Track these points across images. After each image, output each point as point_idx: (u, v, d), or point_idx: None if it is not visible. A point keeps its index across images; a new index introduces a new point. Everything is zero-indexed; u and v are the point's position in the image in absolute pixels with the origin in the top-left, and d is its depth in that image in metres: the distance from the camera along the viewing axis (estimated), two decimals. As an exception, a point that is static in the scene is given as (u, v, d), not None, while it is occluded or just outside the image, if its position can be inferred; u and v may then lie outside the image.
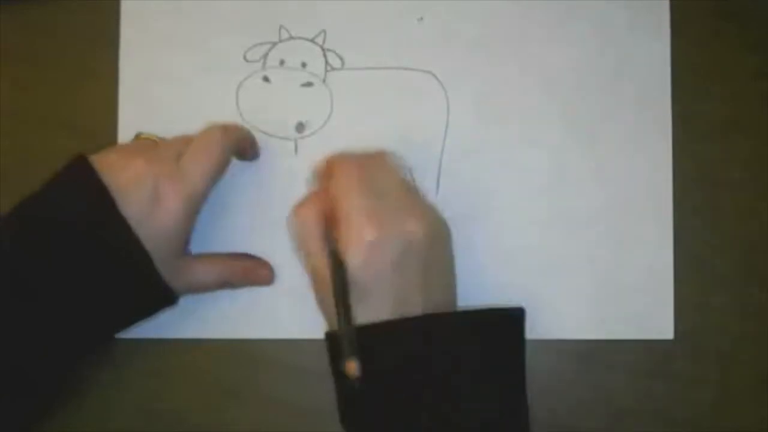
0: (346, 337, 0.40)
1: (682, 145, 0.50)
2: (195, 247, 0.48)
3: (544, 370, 0.49)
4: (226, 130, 0.46)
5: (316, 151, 0.49)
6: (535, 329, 0.48)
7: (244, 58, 0.50)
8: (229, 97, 0.50)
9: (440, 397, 0.41)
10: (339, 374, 0.42)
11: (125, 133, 0.50)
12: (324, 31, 0.51)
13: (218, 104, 0.50)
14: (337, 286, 0.41)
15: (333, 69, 0.50)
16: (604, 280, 0.50)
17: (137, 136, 0.49)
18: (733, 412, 0.50)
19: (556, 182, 0.50)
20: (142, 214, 0.42)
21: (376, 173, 0.43)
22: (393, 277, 0.41)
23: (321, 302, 0.44)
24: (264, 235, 0.50)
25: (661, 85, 0.50)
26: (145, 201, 0.43)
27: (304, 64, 0.50)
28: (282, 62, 0.50)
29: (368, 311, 0.41)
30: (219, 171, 0.46)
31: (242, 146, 0.48)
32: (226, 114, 0.50)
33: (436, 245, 0.43)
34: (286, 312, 0.49)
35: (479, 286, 0.49)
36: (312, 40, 0.51)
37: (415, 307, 0.42)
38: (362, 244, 0.41)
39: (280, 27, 0.51)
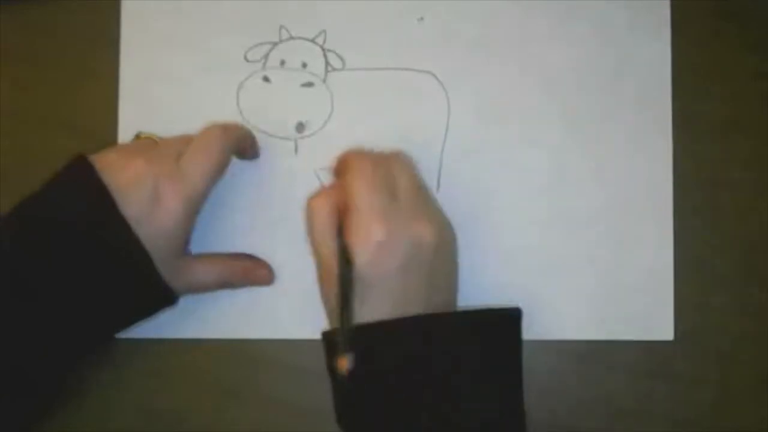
0: (344, 334, 0.40)
1: (682, 145, 0.50)
2: (195, 247, 0.48)
3: (544, 371, 0.49)
4: (226, 129, 0.46)
5: (316, 151, 0.49)
6: (535, 329, 0.48)
7: (245, 58, 0.50)
8: (230, 97, 0.50)
9: (440, 397, 0.41)
10: (336, 374, 0.42)
11: (125, 133, 0.50)
12: (324, 32, 0.51)
13: (218, 104, 0.50)
14: (342, 282, 0.41)
15: (333, 69, 0.50)
16: (604, 280, 0.50)
17: (137, 136, 0.49)
18: (734, 412, 0.50)
19: (556, 182, 0.50)
20: (142, 214, 0.42)
21: (390, 173, 0.43)
22: (398, 279, 0.41)
23: (324, 295, 0.44)
24: (264, 235, 0.50)
25: (662, 85, 0.50)
26: (145, 201, 0.43)
27: (304, 65, 0.50)
28: (282, 62, 0.50)
29: (369, 310, 0.41)
30: (219, 171, 0.46)
31: (242, 146, 0.48)
32: (227, 114, 0.50)
33: (442, 250, 0.43)
34: (286, 312, 0.49)
35: (479, 286, 0.49)
36: (312, 41, 0.51)
37: (415, 308, 0.42)
38: (371, 243, 0.41)
39: (281, 27, 0.51)
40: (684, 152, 0.50)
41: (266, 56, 0.50)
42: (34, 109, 0.51)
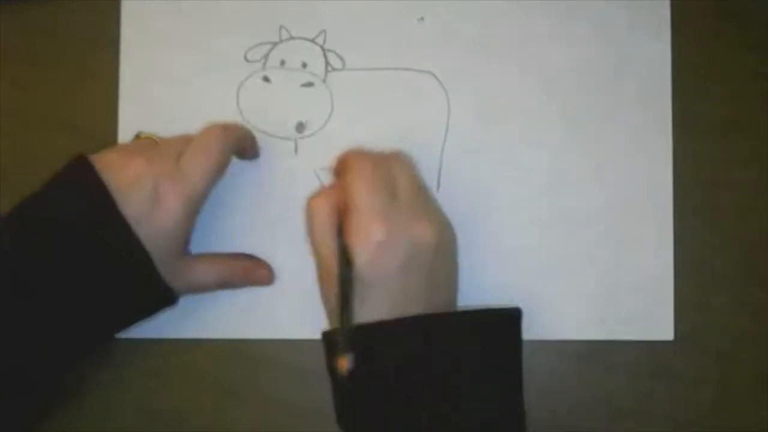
0: (343, 334, 0.40)
1: (682, 145, 0.50)
2: (195, 247, 0.48)
3: (544, 371, 0.49)
4: (226, 129, 0.46)
5: (316, 151, 0.49)
6: (535, 329, 0.48)
7: (245, 58, 0.50)
8: (230, 97, 0.50)
9: (440, 397, 0.41)
10: (336, 374, 0.42)
11: (125, 133, 0.50)
12: (324, 32, 0.51)
13: (219, 104, 0.50)
14: (342, 282, 0.41)
15: (333, 69, 0.50)
16: (604, 280, 0.50)
17: (137, 136, 0.49)
18: (734, 412, 0.50)
19: (556, 182, 0.50)
20: (142, 214, 0.42)
21: (390, 173, 0.43)
22: (397, 279, 0.41)
23: (324, 295, 0.44)
24: (264, 235, 0.50)
25: (662, 85, 0.50)
26: (145, 201, 0.43)
27: (304, 65, 0.50)
28: (282, 62, 0.50)
29: (369, 310, 0.41)
30: (219, 171, 0.46)
31: (242, 146, 0.48)
32: (227, 114, 0.50)
33: (442, 250, 0.43)
34: (286, 312, 0.49)
35: (479, 286, 0.49)
36: (312, 41, 0.51)
37: (415, 308, 0.42)
38: (371, 244, 0.41)
39: (281, 27, 0.51)
40: (684, 152, 0.50)
41: (266, 56, 0.50)
42: (34, 109, 0.51)
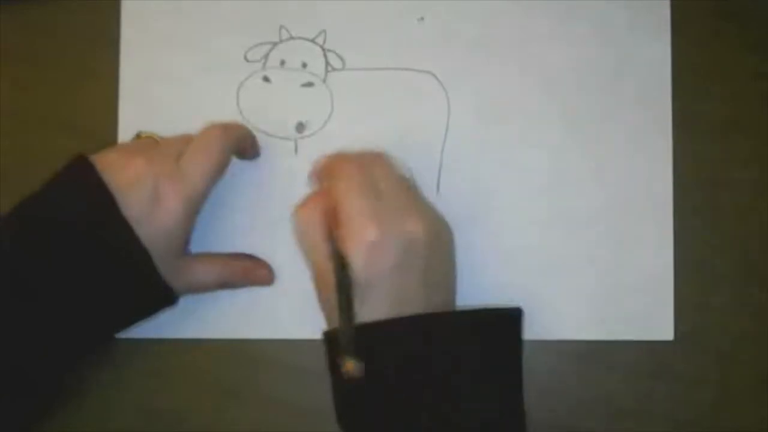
0: (347, 337, 0.40)
1: (682, 145, 0.50)
2: (195, 247, 0.48)
3: (544, 371, 0.49)
4: (226, 129, 0.46)
5: (316, 151, 0.49)
6: (535, 329, 0.48)
7: (245, 58, 0.50)
8: (230, 97, 0.50)
9: (440, 397, 0.41)
10: (336, 374, 0.42)
11: (125, 133, 0.50)
12: (324, 32, 0.51)
13: (219, 104, 0.50)
14: (340, 286, 0.41)
15: (333, 69, 0.50)
16: (604, 280, 0.50)
17: (138, 136, 0.49)
18: (734, 412, 0.49)
19: (556, 182, 0.50)
20: (142, 213, 0.42)
21: (375, 173, 0.43)
22: (394, 277, 0.41)
23: (322, 301, 0.44)
24: (264, 235, 0.50)
25: (662, 85, 0.50)
26: (145, 201, 0.43)
27: (304, 65, 0.50)
28: (282, 62, 0.50)
29: (368, 310, 0.41)
30: (219, 170, 0.46)
31: (242, 146, 0.48)
32: (227, 114, 0.50)
33: (436, 245, 0.43)
34: (286, 312, 0.49)
35: (479, 286, 0.49)
36: (312, 41, 0.51)
37: (414, 307, 0.42)
38: (364, 245, 0.41)
39: (281, 27, 0.51)
40: (684, 152, 0.50)
41: (266, 56, 0.50)
42: (34, 109, 0.51)
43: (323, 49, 0.51)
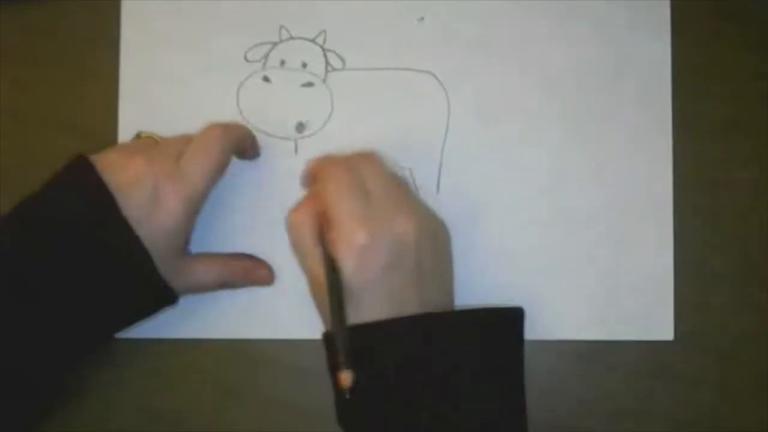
0: (341, 347, 0.40)
1: (682, 145, 0.50)
2: (195, 247, 0.48)
3: (544, 371, 0.49)
4: (226, 129, 0.46)
5: (316, 151, 0.49)
6: (535, 329, 0.48)
7: (245, 58, 0.50)
8: (230, 97, 0.50)
9: (440, 397, 0.41)
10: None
11: (125, 133, 0.50)
12: (324, 32, 0.51)
13: (219, 104, 0.50)
14: (332, 291, 0.41)
15: (333, 69, 0.50)
16: (604, 280, 0.50)
17: (137, 136, 0.49)
18: (734, 412, 0.49)
19: (556, 182, 0.50)
20: (142, 213, 0.42)
21: (363, 175, 0.43)
22: (386, 278, 0.41)
23: (318, 304, 0.44)
24: (264, 235, 0.50)
25: (662, 85, 0.50)
26: (145, 201, 0.43)
27: (304, 65, 0.50)
28: (282, 62, 0.50)
29: (364, 313, 0.41)
30: (219, 170, 0.46)
31: (242, 146, 0.48)
32: (227, 114, 0.50)
33: (427, 242, 0.43)
34: (286, 312, 0.49)
35: (479, 286, 0.49)
36: (312, 41, 0.51)
37: (410, 307, 0.42)
38: (354, 248, 0.41)
39: (281, 27, 0.51)
40: (684, 152, 0.50)
41: (266, 56, 0.50)
42: (34, 109, 0.51)
43: (323, 49, 0.51)
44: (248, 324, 0.50)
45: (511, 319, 0.44)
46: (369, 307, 0.41)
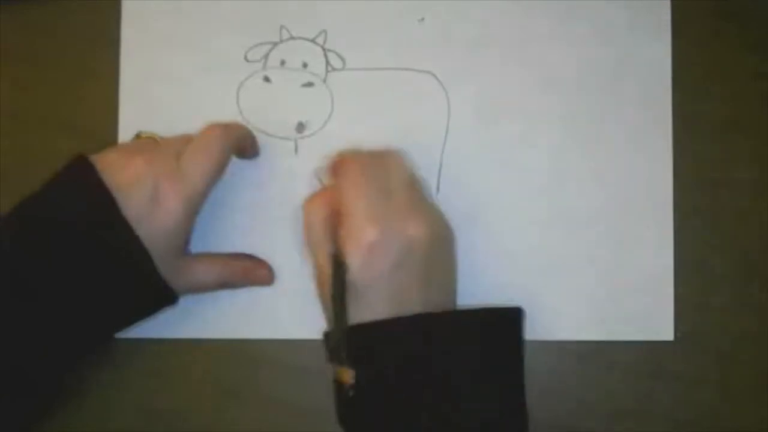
0: (341, 344, 0.40)
1: (682, 145, 0.50)
2: (195, 247, 0.48)
3: (544, 371, 0.49)
4: (226, 129, 0.46)
5: (316, 151, 0.49)
6: (535, 329, 0.48)
7: (245, 58, 0.50)
8: (230, 97, 0.50)
9: (440, 396, 0.41)
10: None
11: (125, 133, 0.50)
12: (324, 32, 0.51)
13: (219, 104, 0.50)
14: (335, 287, 0.41)
15: (334, 69, 0.50)
16: (604, 280, 0.50)
17: (138, 136, 0.49)
18: (734, 412, 0.49)
19: (556, 182, 0.50)
20: (142, 213, 0.42)
21: (382, 173, 0.43)
22: (392, 278, 0.41)
23: (322, 298, 0.44)
24: (264, 235, 0.50)
25: (662, 85, 0.50)
26: (145, 201, 0.43)
27: (305, 65, 0.50)
28: (283, 62, 0.50)
29: (366, 311, 0.41)
30: (219, 170, 0.46)
31: (242, 145, 0.48)
32: (227, 114, 0.50)
33: (437, 247, 0.43)
34: (286, 312, 0.49)
35: (479, 286, 0.49)
36: (313, 41, 0.51)
37: (413, 307, 0.42)
38: (362, 245, 0.41)
39: (281, 27, 0.51)
40: (684, 152, 0.50)
41: (266, 56, 0.50)
42: (34, 109, 0.51)
43: (323, 49, 0.51)
44: (248, 324, 0.50)
45: (511, 319, 0.44)
46: (372, 305, 0.41)
